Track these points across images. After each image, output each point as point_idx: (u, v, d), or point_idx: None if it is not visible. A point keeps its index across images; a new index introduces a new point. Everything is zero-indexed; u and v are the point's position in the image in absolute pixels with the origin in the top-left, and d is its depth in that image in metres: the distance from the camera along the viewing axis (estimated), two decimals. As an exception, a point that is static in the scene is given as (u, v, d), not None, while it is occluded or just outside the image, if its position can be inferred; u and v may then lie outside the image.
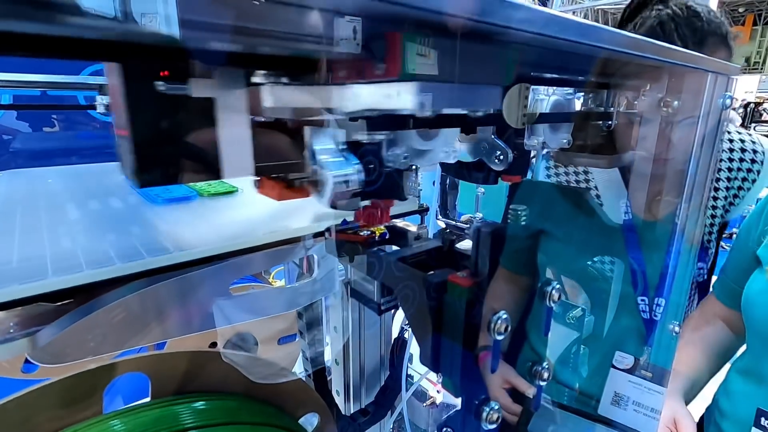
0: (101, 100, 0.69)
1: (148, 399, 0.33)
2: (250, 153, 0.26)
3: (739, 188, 0.81)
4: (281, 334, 1.36)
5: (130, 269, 0.34)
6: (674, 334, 0.59)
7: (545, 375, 0.36)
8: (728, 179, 0.81)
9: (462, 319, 0.28)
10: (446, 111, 0.30)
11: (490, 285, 0.81)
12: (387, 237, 0.39)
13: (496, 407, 0.30)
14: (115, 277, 0.33)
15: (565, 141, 0.52)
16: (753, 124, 5.72)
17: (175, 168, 0.24)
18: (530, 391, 0.74)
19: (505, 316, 0.27)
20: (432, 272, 0.31)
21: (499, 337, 0.26)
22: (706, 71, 0.45)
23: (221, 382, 0.33)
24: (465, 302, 0.28)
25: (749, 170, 0.79)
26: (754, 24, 12.69)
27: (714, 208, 0.83)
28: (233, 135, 0.25)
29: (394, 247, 0.50)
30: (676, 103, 0.47)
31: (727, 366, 0.85)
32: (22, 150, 1.66)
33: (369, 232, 0.36)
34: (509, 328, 0.27)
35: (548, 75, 0.40)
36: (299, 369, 1.40)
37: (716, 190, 0.82)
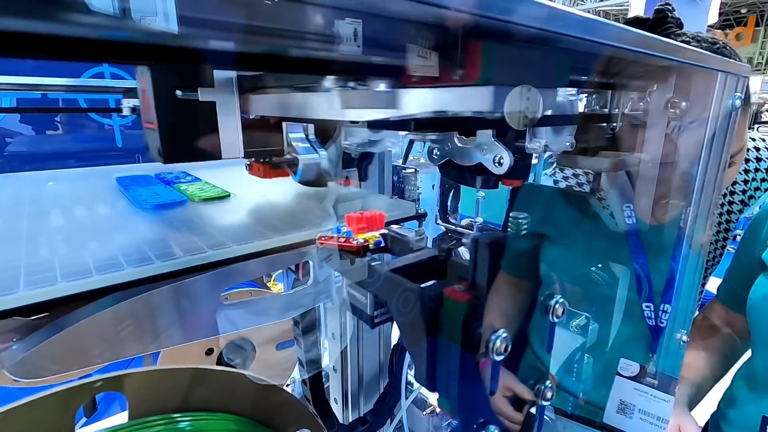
0: (127, 103, 0.77)
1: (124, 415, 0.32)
2: (240, 140, 0.33)
3: (750, 197, 0.80)
4: (280, 339, 1.34)
5: (108, 281, 0.32)
6: (682, 343, 0.57)
7: (548, 395, 0.34)
8: (743, 192, 0.80)
9: (459, 336, 0.26)
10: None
11: (491, 289, 0.79)
12: (381, 245, 0.38)
13: None
14: (92, 289, 0.31)
15: (567, 144, 0.50)
16: (756, 126, 5.71)
17: (189, 150, 0.32)
18: (533, 398, 0.72)
19: (504, 335, 0.25)
20: (427, 285, 0.29)
21: (498, 358, 0.25)
22: (716, 71, 0.44)
23: (204, 400, 0.31)
24: (462, 318, 0.26)
25: (763, 179, 0.79)
26: (757, 25, 12.66)
27: (729, 213, 0.82)
28: (228, 127, 0.33)
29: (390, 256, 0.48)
30: (684, 104, 0.45)
31: (733, 371, 0.83)
32: (17, 153, 1.66)
33: (362, 241, 0.35)
34: (509, 348, 0.25)
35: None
36: (298, 375, 1.38)
37: (732, 194, 0.81)
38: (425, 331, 0.27)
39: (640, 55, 0.32)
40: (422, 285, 0.28)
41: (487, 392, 0.27)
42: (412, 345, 0.29)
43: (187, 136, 0.32)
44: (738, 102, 0.47)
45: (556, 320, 0.31)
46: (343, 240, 0.35)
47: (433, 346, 0.27)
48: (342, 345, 0.95)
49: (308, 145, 0.36)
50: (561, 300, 0.30)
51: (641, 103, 0.51)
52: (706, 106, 0.45)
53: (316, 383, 0.79)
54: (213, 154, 0.32)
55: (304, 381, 0.78)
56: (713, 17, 4.57)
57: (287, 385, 1.65)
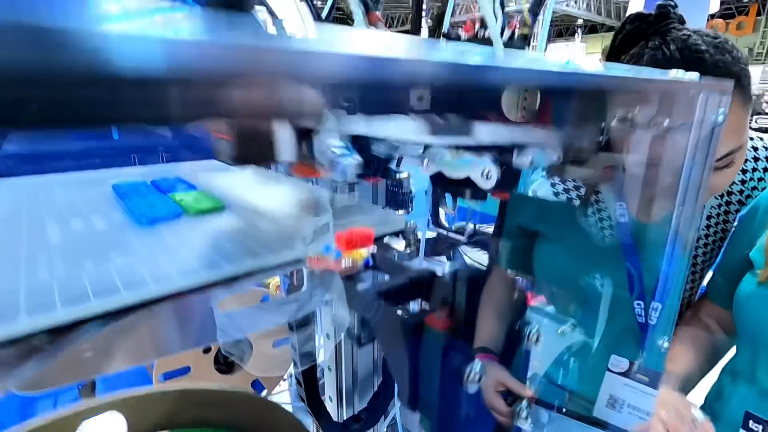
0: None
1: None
2: (293, 147, 0.38)
3: (748, 197, 0.81)
4: (276, 336, 1.36)
5: (106, 306, 0.33)
6: (663, 350, 0.59)
7: (524, 414, 0.35)
8: (741, 192, 0.81)
9: (439, 363, 0.27)
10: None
11: (486, 284, 0.79)
12: (370, 264, 0.39)
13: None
14: (92, 315, 0.32)
15: (555, 158, 0.51)
16: (755, 116, 5.70)
17: (253, 156, 0.37)
18: (526, 393, 0.74)
19: (479, 367, 0.26)
20: (408, 312, 0.30)
21: (473, 388, 0.26)
22: (699, 91, 0.45)
23: (198, 416, 0.32)
24: (442, 346, 0.27)
25: (761, 179, 0.79)
26: (758, 14, 12.54)
27: (727, 213, 0.82)
28: (284, 137, 0.37)
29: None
30: (666, 121, 0.46)
31: (719, 366, 0.85)
32: (13, 153, 1.65)
33: (350, 262, 0.36)
34: (483, 378, 0.26)
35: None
36: (293, 371, 1.40)
37: (730, 194, 0.81)
38: (407, 356, 0.28)
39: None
40: (404, 312, 0.29)
41: (464, 417, 0.29)
42: (395, 367, 0.30)
43: (252, 145, 0.37)
44: (721, 118, 0.48)
45: (531, 348, 0.32)
46: (332, 261, 0.36)
47: (415, 371, 0.29)
48: (336, 344, 0.96)
49: (345, 150, 0.39)
50: (537, 328, 0.31)
51: (628, 115, 0.52)
52: (688, 124, 0.47)
53: (310, 382, 0.81)
54: (272, 158, 0.37)
55: (298, 380, 0.80)
56: (714, 6, 4.52)
57: (284, 380, 1.68)
